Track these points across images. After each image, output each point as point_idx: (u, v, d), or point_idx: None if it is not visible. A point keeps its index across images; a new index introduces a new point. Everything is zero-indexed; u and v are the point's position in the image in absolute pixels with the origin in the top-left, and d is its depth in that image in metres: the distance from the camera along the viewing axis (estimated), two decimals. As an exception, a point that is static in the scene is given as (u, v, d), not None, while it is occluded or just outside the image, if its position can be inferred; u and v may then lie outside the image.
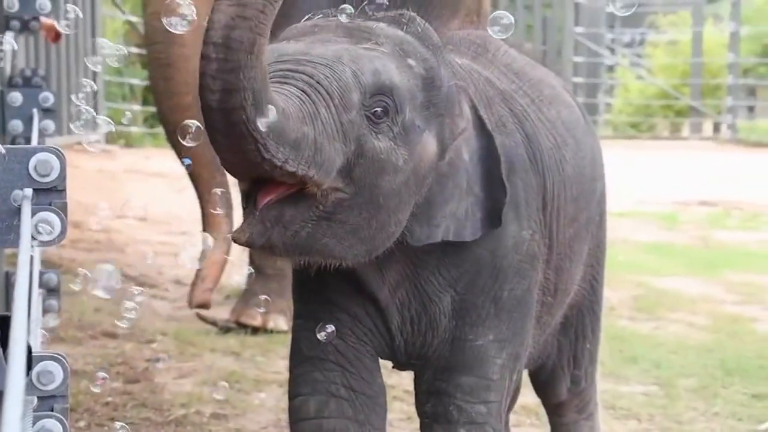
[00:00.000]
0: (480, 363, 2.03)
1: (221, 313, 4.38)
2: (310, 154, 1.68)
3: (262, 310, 4.13)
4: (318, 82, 1.71)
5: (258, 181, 1.72)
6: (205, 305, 4.14)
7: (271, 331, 4.22)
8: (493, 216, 1.95)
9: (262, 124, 1.61)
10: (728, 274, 6.16)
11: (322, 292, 2.03)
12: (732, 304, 5.38)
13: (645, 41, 18.51)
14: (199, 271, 4.15)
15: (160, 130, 8.86)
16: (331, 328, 1.97)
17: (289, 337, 4.31)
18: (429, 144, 1.86)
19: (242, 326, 4.23)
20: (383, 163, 1.77)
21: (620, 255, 5.90)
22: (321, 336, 1.98)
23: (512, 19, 1.96)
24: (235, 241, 1.73)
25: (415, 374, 2.12)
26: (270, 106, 1.62)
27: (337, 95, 1.72)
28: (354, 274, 1.96)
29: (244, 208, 1.76)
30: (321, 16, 1.91)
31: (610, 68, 17.93)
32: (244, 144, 1.62)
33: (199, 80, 1.61)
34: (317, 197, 1.73)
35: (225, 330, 4.23)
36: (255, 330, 4.22)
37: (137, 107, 10.44)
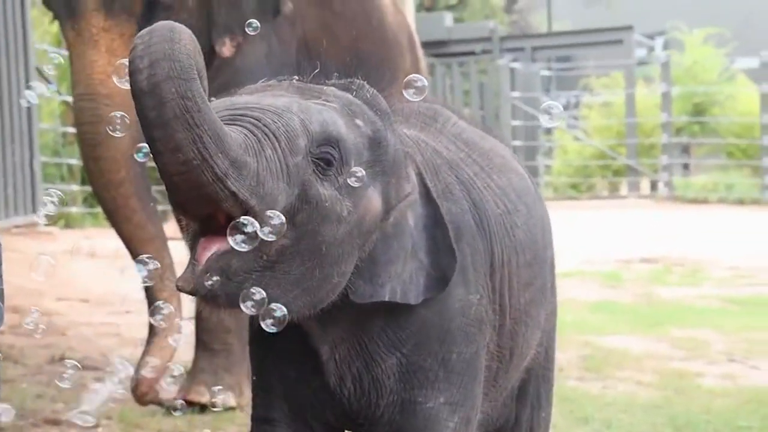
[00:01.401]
0: (432, 426, 2.02)
1: (167, 392, 4.30)
2: (252, 183, 1.70)
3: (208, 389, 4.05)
4: (265, 125, 1.75)
5: (204, 226, 1.73)
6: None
7: (220, 409, 4.15)
8: (439, 283, 1.97)
9: (192, 102, 1.63)
10: (672, 330, 6.22)
11: (278, 378, 2.05)
12: (677, 360, 5.43)
13: (580, 103, 18.89)
14: (145, 362, 4.04)
15: (100, 209, 8.75)
16: None
17: (238, 414, 4.23)
18: (374, 199, 1.89)
19: (190, 404, 4.16)
20: (327, 211, 1.79)
21: (567, 315, 5.94)
22: None
23: (426, 82, 2.01)
24: (179, 289, 1.73)
25: None
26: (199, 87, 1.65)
27: (283, 139, 1.75)
28: (301, 334, 1.96)
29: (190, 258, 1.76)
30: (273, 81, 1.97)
31: (548, 131, 18.23)
32: (177, 128, 1.62)
33: (128, 71, 1.64)
34: (262, 243, 1.72)
35: (172, 409, 4.15)
36: (203, 408, 4.15)
37: (76, 187, 10.33)
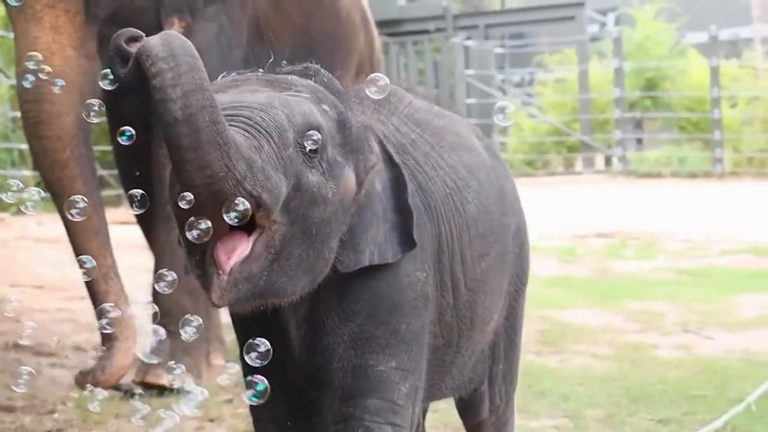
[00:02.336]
0: (384, 387, 2.10)
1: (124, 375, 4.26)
2: (262, 179, 1.80)
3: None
4: (257, 123, 1.84)
5: (213, 234, 1.81)
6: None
7: (178, 391, 4.12)
8: (407, 237, 2.08)
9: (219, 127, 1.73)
10: (627, 303, 6.29)
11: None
12: (633, 333, 5.50)
13: (534, 80, 18.96)
14: (107, 352, 3.95)
15: (53, 193, 8.60)
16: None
17: (197, 396, 4.18)
18: (350, 178, 2.01)
19: (147, 387, 4.13)
20: (315, 196, 1.91)
21: (523, 290, 5.97)
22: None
23: (388, 80, 2.12)
24: (215, 306, 1.85)
25: (321, 405, 2.14)
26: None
27: (275, 134, 1.85)
28: (272, 316, 2.02)
29: (204, 269, 1.84)
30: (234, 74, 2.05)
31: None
32: (210, 151, 1.72)
33: (158, 99, 1.71)
34: (269, 239, 1.84)
35: (129, 393, 4.12)
36: (161, 390, 4.12)
37: (27, 173, 10.18)
